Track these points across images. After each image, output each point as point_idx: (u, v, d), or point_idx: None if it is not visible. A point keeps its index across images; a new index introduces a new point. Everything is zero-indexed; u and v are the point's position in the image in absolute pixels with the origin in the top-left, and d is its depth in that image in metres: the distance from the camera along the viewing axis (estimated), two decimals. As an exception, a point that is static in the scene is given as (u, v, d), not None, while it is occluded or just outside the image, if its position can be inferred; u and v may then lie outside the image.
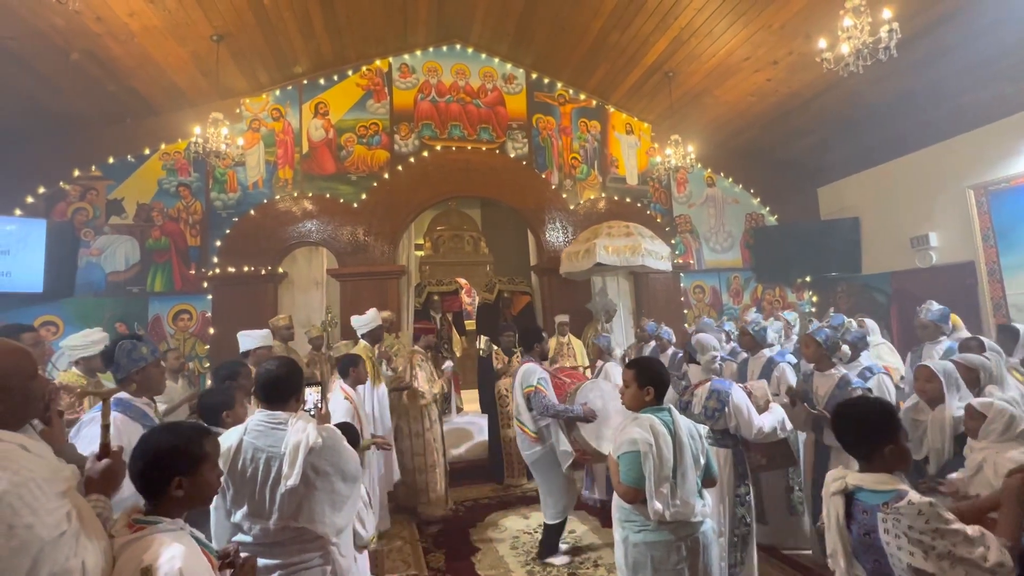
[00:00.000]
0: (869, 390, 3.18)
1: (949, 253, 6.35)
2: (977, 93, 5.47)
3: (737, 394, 2.93)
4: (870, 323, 4.88)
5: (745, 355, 4.25)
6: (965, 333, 4.22)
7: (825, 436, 3.18)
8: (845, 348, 3.60)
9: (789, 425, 3.02)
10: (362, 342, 4.49)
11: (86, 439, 2.03)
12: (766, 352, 3.99)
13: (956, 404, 2.57)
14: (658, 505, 2.07)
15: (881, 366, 3.67)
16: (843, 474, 1.67)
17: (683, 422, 2.25)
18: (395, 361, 4.79)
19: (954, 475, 2.28)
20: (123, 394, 2.20)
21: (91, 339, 3.56)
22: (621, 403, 2.47)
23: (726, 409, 2.89)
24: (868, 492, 1.58)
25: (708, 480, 2.31)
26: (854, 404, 1.75)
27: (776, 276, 7.99)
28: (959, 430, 2.48)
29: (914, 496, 1.50)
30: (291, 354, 5.08)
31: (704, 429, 2.28)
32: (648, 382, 2.29)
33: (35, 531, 1.04)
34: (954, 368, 2.69)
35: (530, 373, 3.63)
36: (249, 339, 4.20)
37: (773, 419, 2.92)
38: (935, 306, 4.21)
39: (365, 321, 4.54)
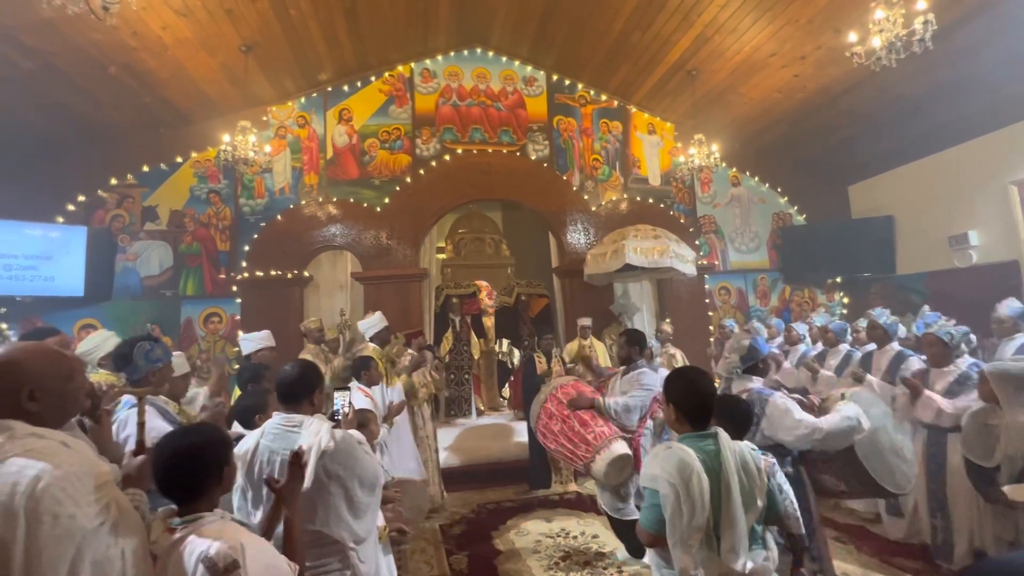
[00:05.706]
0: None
1: (990, 252, 6.08)
2: (1018, 85, 5.22)
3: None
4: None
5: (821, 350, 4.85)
6: None
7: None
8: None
9: (867, 424, 2.32)
10: (371, 344, 4.50)
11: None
12: (895, 345, 4.02)
13: None
14: (685, 560, 1.65)
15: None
16: None
17: (733, 454, 1.74)
18: (403, 360, 4.83)
19: None
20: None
21: (95, 343, 3.43)
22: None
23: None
24: None
25: (773, 518, 1.83)
26: None
27: (805, 277, 7.78)
28: None
29: None
30: (323, 356, 5.16)
31: (764, 460, 1.79)
32: (671, 398, 1.82)
33: (77, 521, 1.11)
34: (1016, 371, 2.52)
35: None
36: (249, 343, 4.12)
37: (830, 418, 2.34)
38: (1016, 303, 4.11)
39: (371, 323, 4.55)
